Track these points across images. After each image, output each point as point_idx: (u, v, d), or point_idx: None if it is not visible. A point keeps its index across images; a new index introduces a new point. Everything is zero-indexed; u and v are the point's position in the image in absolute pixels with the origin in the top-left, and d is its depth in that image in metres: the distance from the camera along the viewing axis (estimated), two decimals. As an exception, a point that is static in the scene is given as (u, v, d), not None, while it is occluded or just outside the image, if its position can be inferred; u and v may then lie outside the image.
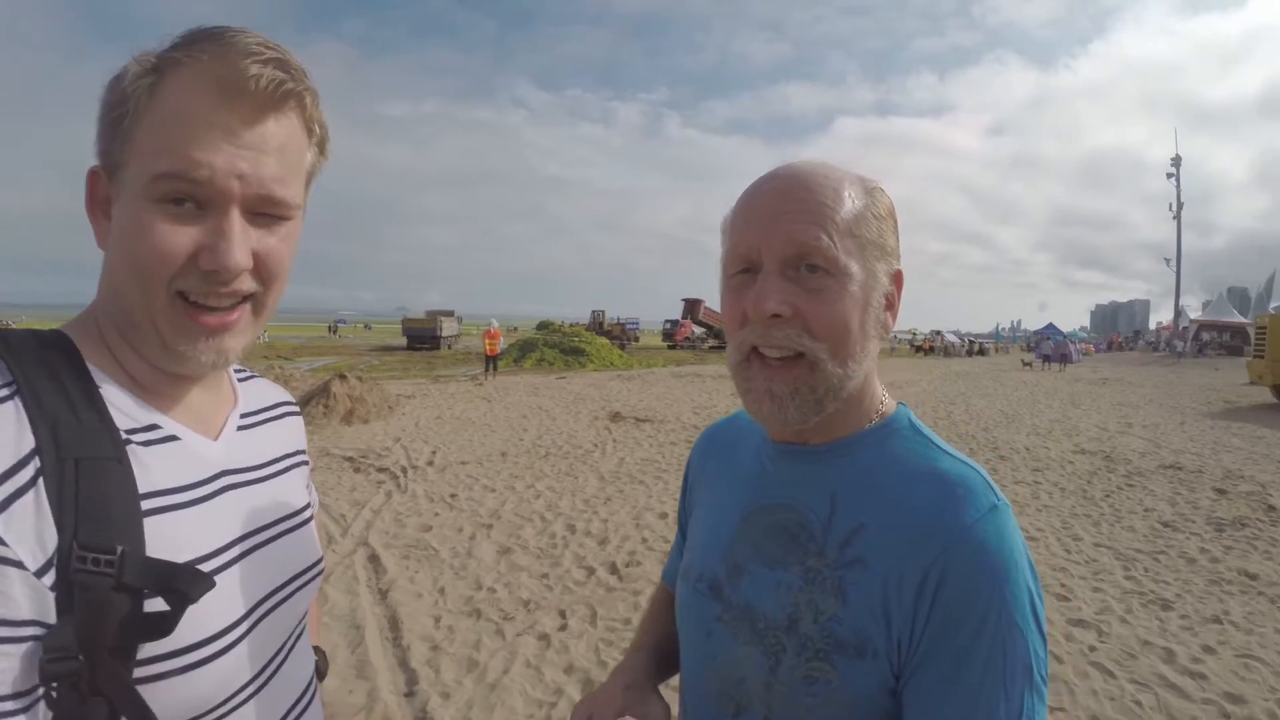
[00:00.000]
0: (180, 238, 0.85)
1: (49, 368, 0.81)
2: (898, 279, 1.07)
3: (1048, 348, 46.98)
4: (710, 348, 56.35)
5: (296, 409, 1.27)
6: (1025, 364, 45.19)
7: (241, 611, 0.92)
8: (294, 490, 1.13)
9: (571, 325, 53.79)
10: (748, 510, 1.17)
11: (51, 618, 0.73)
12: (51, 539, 0.74)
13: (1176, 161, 64.74)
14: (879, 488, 1.04)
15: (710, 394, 21.79)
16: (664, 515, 8.30)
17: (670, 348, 59.70)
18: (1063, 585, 6.30)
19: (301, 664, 1.09)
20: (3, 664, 0.69)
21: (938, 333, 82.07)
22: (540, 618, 5.54)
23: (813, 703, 1.00)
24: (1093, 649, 5.11)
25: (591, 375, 30.57)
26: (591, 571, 6.52)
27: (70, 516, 0.74)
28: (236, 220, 0.87)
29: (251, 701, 0.94)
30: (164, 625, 0.80)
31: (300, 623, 1.09)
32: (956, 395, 23.93)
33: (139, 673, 0.79)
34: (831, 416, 1.07)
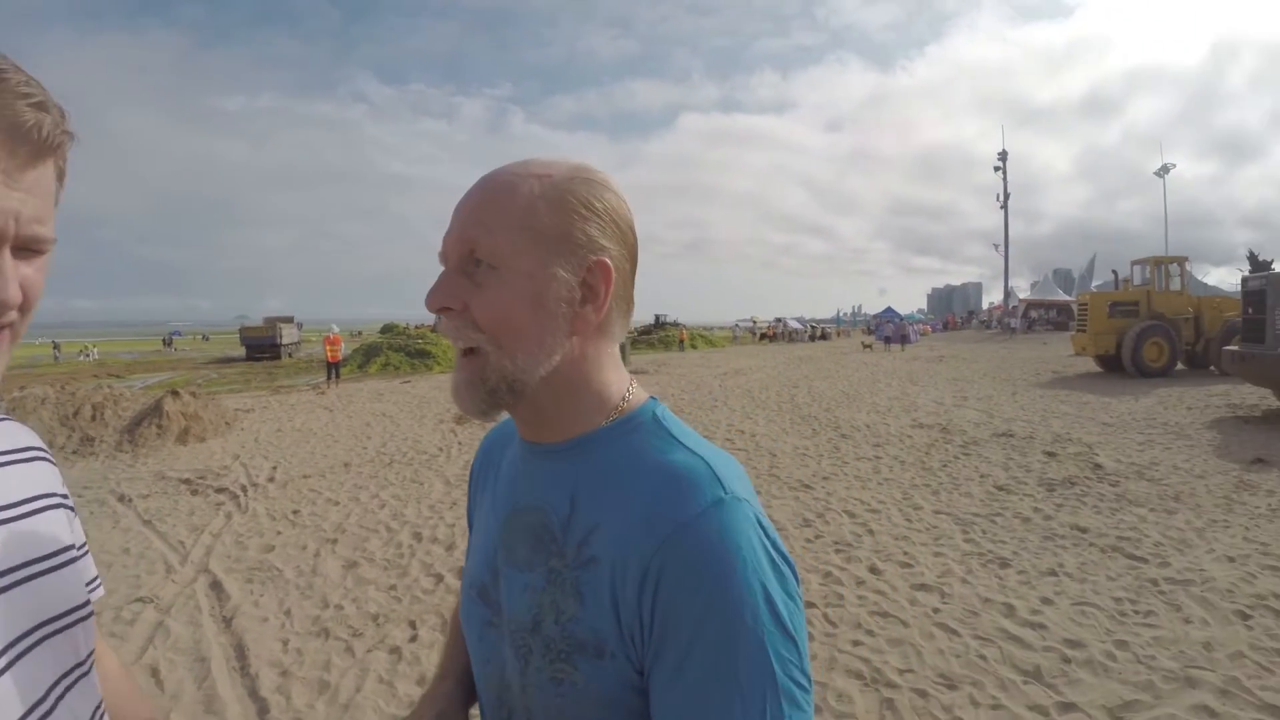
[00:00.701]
0: None
1: None
2: (600, 269, 1.03)
3: (888, 330, 48.62)
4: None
5: (48, 455, 1.19)
6: (866, 346, 46.72)
7: None
8: (51, 531, 1.07)
9: (417, 327, 52.89)
10: (505, 513, 1.17)
11: None
12: None
13: (1003, 156, 68.06)
14: (613, 485, 1.02)
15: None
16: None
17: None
18: (905, 553, 6.49)
19: (77, 715, 1.00)
20: None
21: (779, 320, 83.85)
22: (390, 630, 5.39)
23: (563, 704, 1.00)
24: (937, 610, 5.27)
25: (438, 378, 29.85)
26: (440, 579, 6.35)
27: None
28: (9, 259, 0.88)
29: None
30: None
31: (73, 673, 1.01)
32: (800, 378, 24.50)
33: None
34: (565, 414, 1.08)
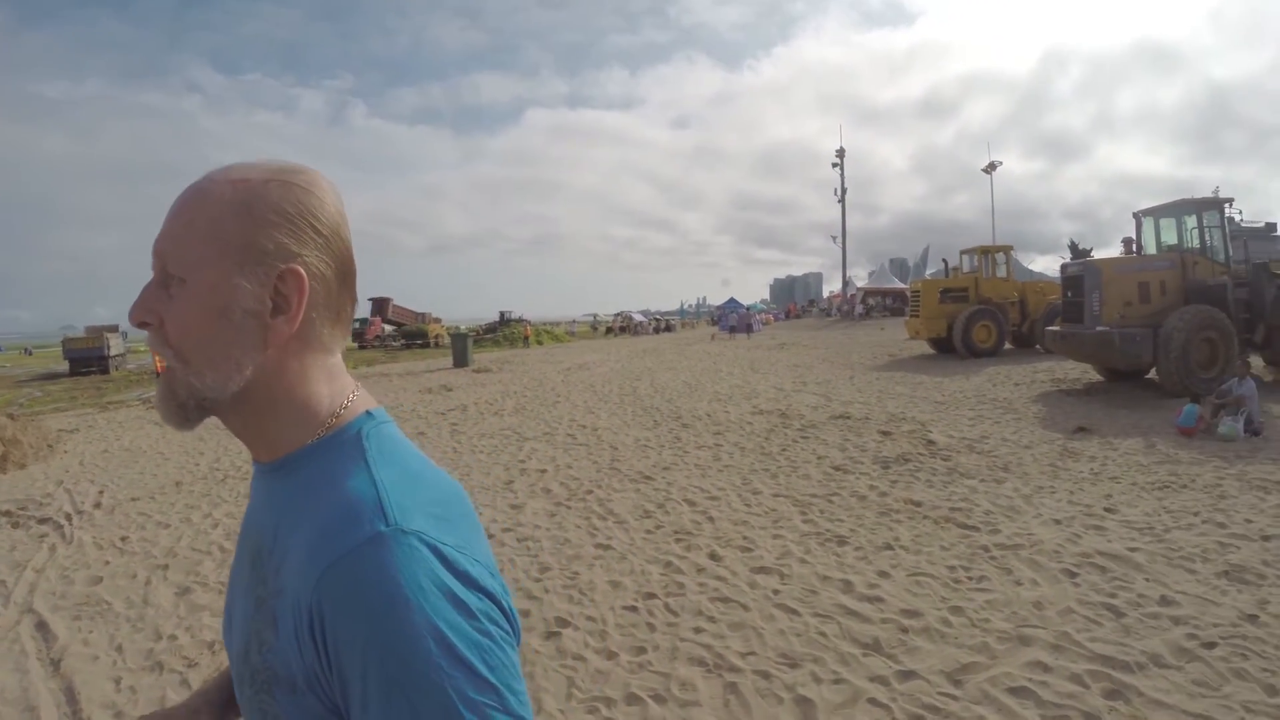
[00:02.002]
0: None
1: None
2: (291, 278, 0.97)
3: (733, 320, 49.41)
4: (402, 345, 55.32)
5: None
6: (714, 337, 47.31)
7: None
8: None
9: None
10: (240, 535, 1.15)
11: None
12: None
13: (841, 153, 70.07)
14: (302, 511, 0.97)
15: (397, 392, 21.17)
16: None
17: (360, 348, 58.12)
18: (745, 537, 6.58)
19: None
20: None
21: (620, 314, 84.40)
22: (224, 657, 5.19)
23: None
24: (776, 592, 5.34)
25: (272, 383, 29.17)
26: (275, 599, 6.15)
27: None
28: None
29: None
30: None
31: None
32: (643, 371, 24.66)
33: None
34: (271, 431, 1.03)
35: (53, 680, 5.06)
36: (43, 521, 9.38)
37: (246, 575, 1.05)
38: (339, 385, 1.06)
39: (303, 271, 0.97)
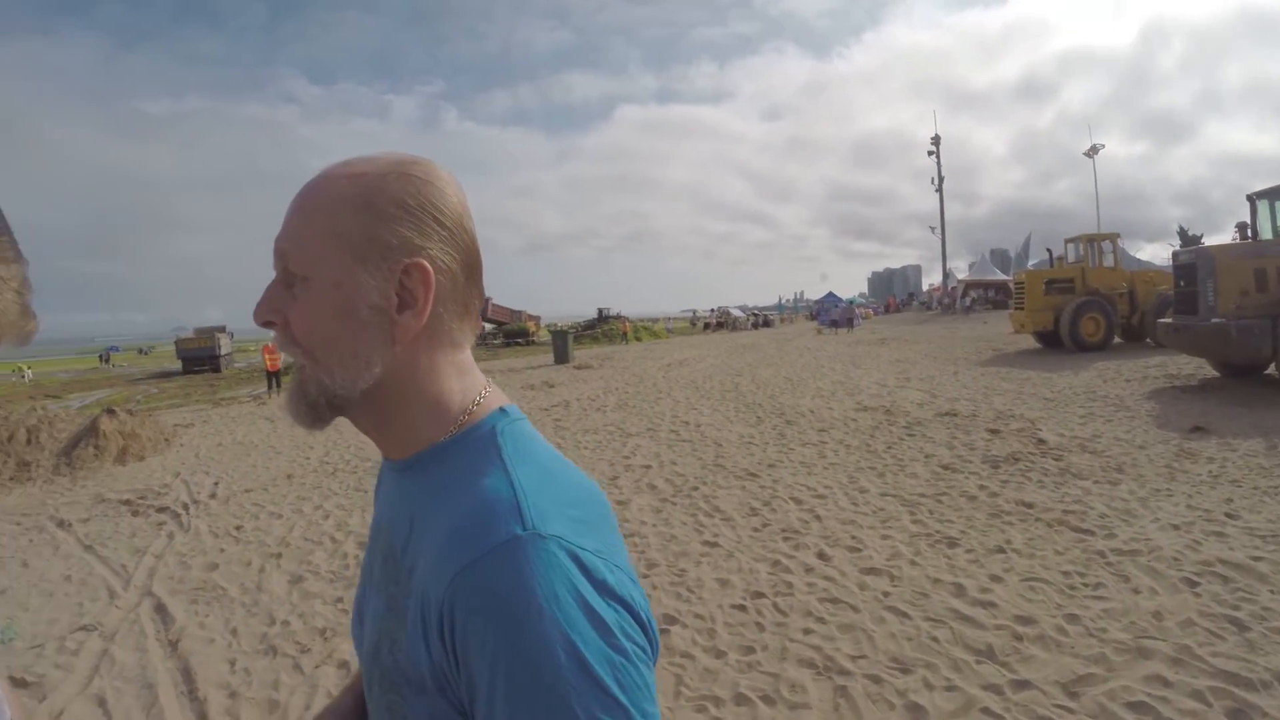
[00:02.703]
0: None
1: None
2: (417, 272, 0.95)
3: (835, 314, 48.88)
4: (502, 343, 55.92)
5: None
6: (820, 331, 46.88)
7: None
8: None
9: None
10: (372, 531, 1.15)
11: None
12: None
13: (936, 140, 68.50)
14: (436, 509, 0.95)
15: (501, 389, 21.33)
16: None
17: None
18: (853, 537, 6.48)
19: None
20: None
21: (714, 310, 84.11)
22: (338, 644, 5.27)
23: None
24: (887, 594, 5.25)
25: (377, 383, 29.76)
26: (384, 590, 6.27)
27: None
28: None
29: None
30: None
31: None
32: (743, 367, 24.52)
33: None
34: (402, 429, 1.02)
35: (170, 660, 5.27)
36: (161, 510, 9.79)
37: (378, 573, 1.04)
38: (470, 381, 1.05)
39: (428, 265, 0.95)
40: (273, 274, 0.99)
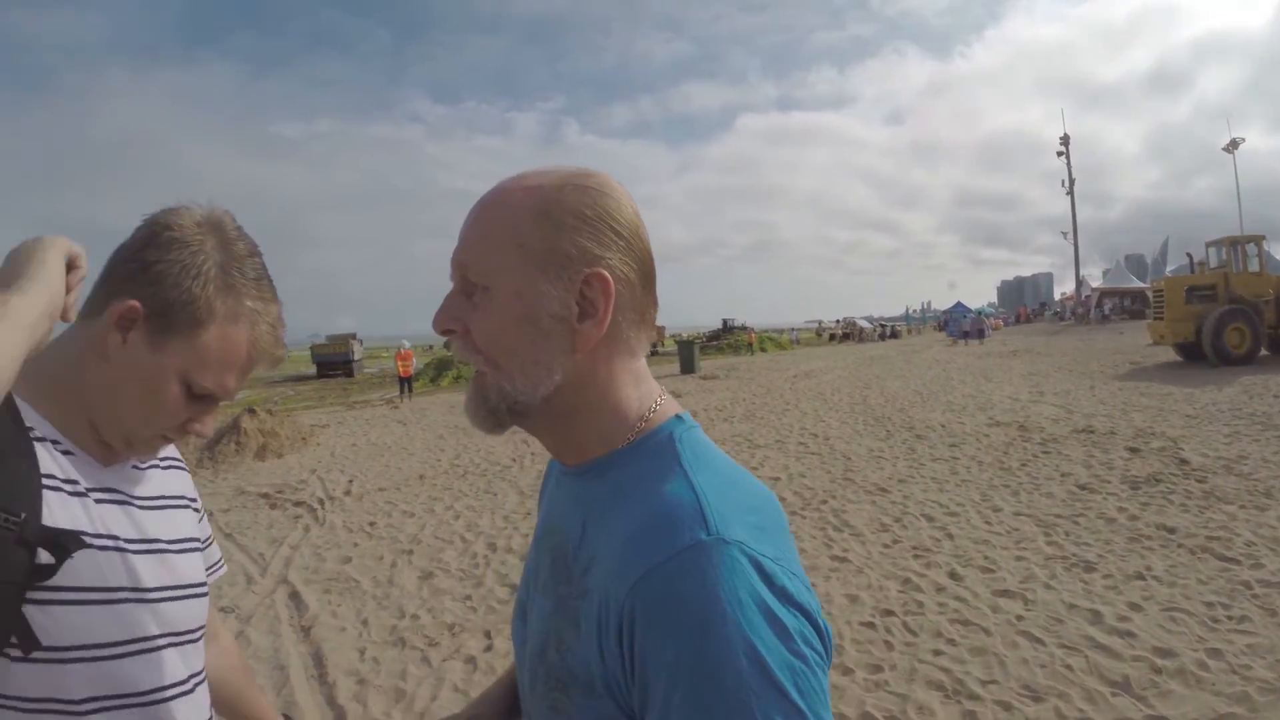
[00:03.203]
0: (187, 412, 1.24)
1: None
2: (597, 282, 0.97)
3: (966, 324, 47.82)
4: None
5: (183, 465, 1.52)
6: (956, 342, 45.91)
7: (121, 583, 1.17)
8: (179, 523, 1.38)
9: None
10: (540, 533, 1.16)
11: None
12: None
13: (1065, 140, 66.29)
14: (613, 515, 0.96)
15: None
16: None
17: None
18: (986, 557, 6.35)
19: (191, 662, 1.32)
20: None
21: (840, 321, 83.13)
22: (466, 640, 5.44)
23: None
24: (1020, 618, 5.13)
25: (506, 389, 30.32)
26: (515, 589, 6.38)
27: None
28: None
29: (142, 656, 1.20)
30: (48, 572, 1.07)
31: (195, 632, 1.34)
32: (871, 379, 24.17)
33: (38, 596, 1.07)
34: (579, 434, 1.04)
35: (302, 645, 5.52)
36: (298, 504, 10.21)
37: (546, 574, 1.05)
38: (646, 389, 1.05)
39: (608, 275, 0.96)
40: (427, 284, 1.04)
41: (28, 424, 1.14)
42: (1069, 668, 4.43)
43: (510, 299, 0.97)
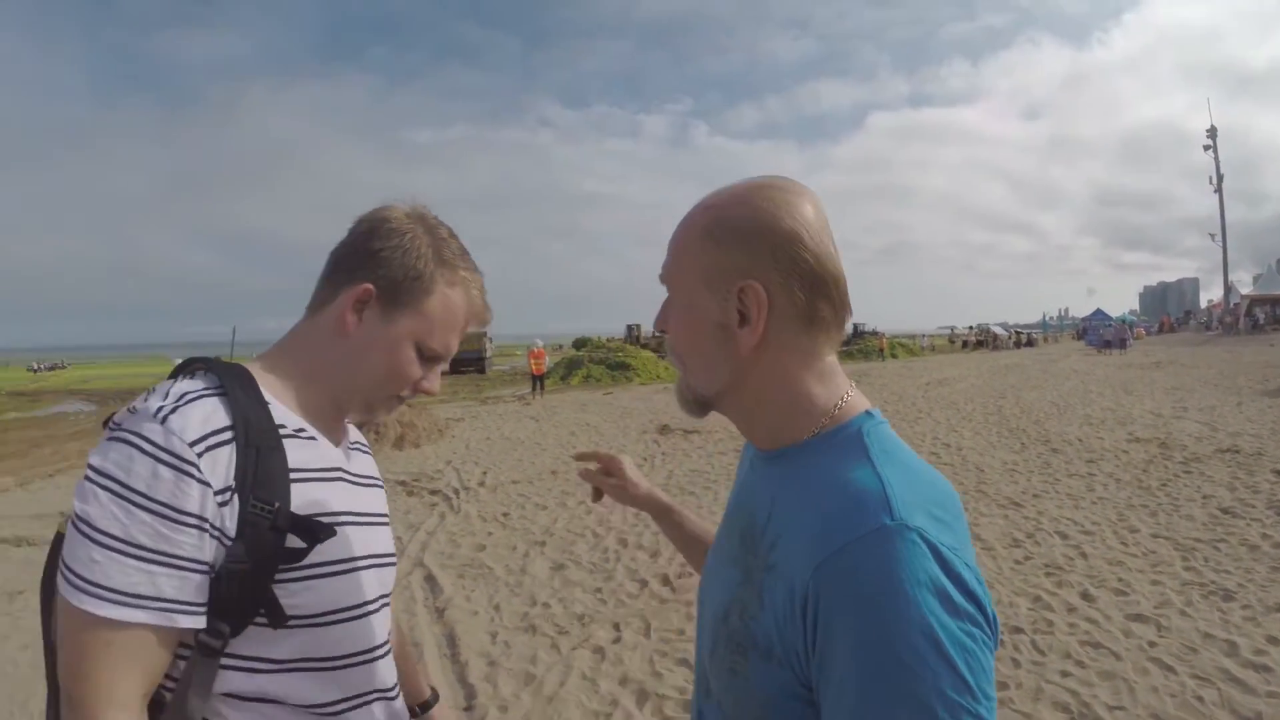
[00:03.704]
0: (419, 373, 1.44)
1: (240, 383, 1.27)
2: (750, 294, 1.06)
3: (1107, 333, 46.14)
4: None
5: (368, 448, 1.71)
6: (1100, 351, 44.33)
7: (353, 554, 1.36)
8: (379, 500, 1.58)
9: (609, 340, 53.80)
10: (729, 509, 1.28)
11: (230, 532, 1.17)
12: (226, 480, 1.17)
13: (1212, 133, 62.89)
14: (801, 498, 1.05)
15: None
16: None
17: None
18: (1120, 579, 6.19)
19: (387, 625, 1.50)
20: (201, 542, 1.15)
21: (974, 327, 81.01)
22: (595, 631, 5.60)
23: (735, 694, 1.06)
24: (1152, 644, 5.02)
25: (639, 389, 30.58)
26: (644, 584, 6.55)
27: (250, 478, 1.19)
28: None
29: (366, 619, 1.38)
30: (298, 555, 1.23)
31: (386, 595, 1.51)
32: (1006, 388, 23.54)
33: (288, 575, 1.23)
34: (766, 424, 1.15)
35: (436, 625, 5.76)
36: (434, 493, 10.55)
37: (734, 547, 1.15)
38: (833, 385, 1.13)
39: (760, 287, 1.05)
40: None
41: (278, 421, 1.29)
42: (1200, 699, 4.33)
43: (685, 308, 1.14)
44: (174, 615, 1.12)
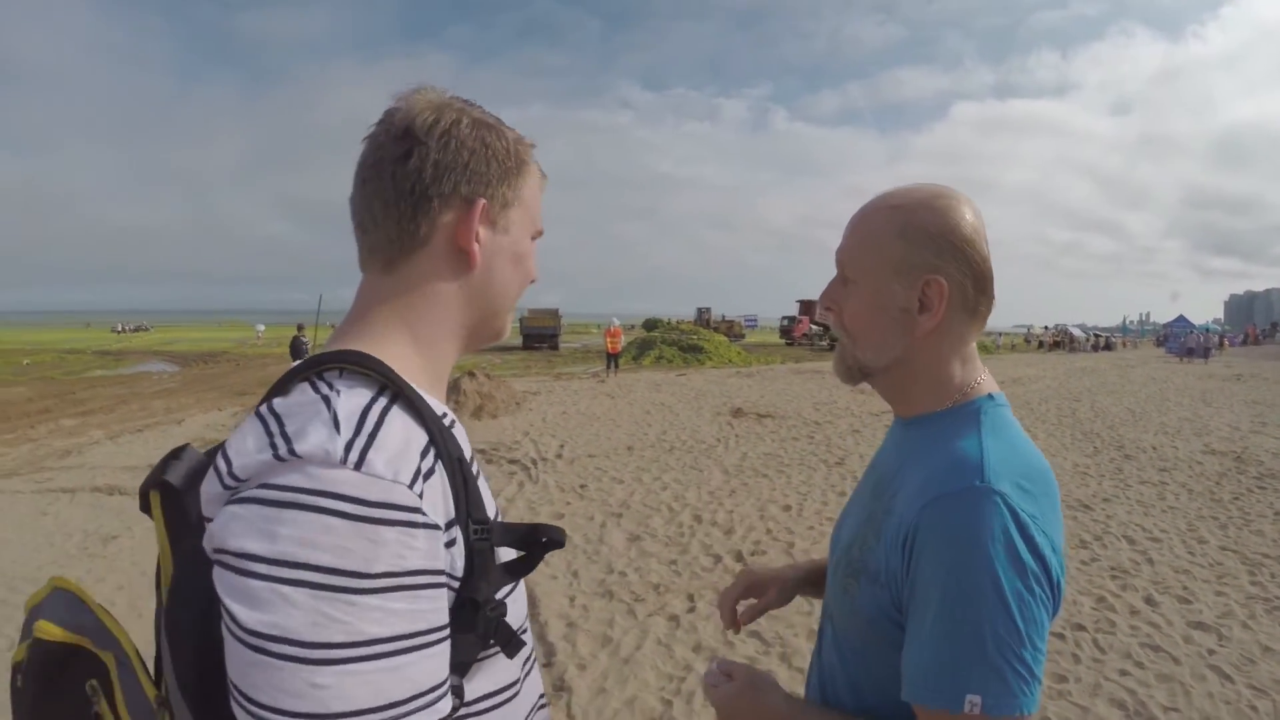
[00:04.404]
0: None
1: (389, 373, 0.99)
2: (935, 287, 1.25)
3: (1191, 341, 44.89)
4: (828, 345, 55.82)
5: None
6: (1183, 360, 43.09)
7: (516, 555, 1.11)
8: None
9: (680, 322, 53.80)
10: (872, 465, 1.49)
11: (458, 571, 0.95)
12: (448, 512, 0.94)
13: None
14: (922, 458, 1.24)
15: (831, 390, 21.49)
16: (787, 508, 8.50)
17: (788, 344, 59.56)
18: (1185, 588, 6.21)
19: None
20: (440, 602, 0.90)
21: (1051, 327, 79.21)
22: (669, 600, 5.80)
23: (844, 611, 1.31)
24: (1212, 652, 5.07)
25: (711, 372, 30.61)
26: (718, 559, 6.76)
27: (463, 500, 0.97)
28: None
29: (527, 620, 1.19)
30: (527, 567, 1.08)
31: None
32: (1082, 392, 23.16)
33: (503, 595, 1.03)
34: (911, 396, 1.34)
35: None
36: (512, 462, 10.78)
37: (867, 495, 1.37)
38: (970, 368, 1.31)
39: (944, 281, 1.24)
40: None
41: (439, 414, 1.04)
42: (1254, 709, 4.40)
43: (871, 294, 1.29)
44: (437, 704, 0.89)
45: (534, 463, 10.86)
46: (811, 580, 1.71)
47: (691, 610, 5.64)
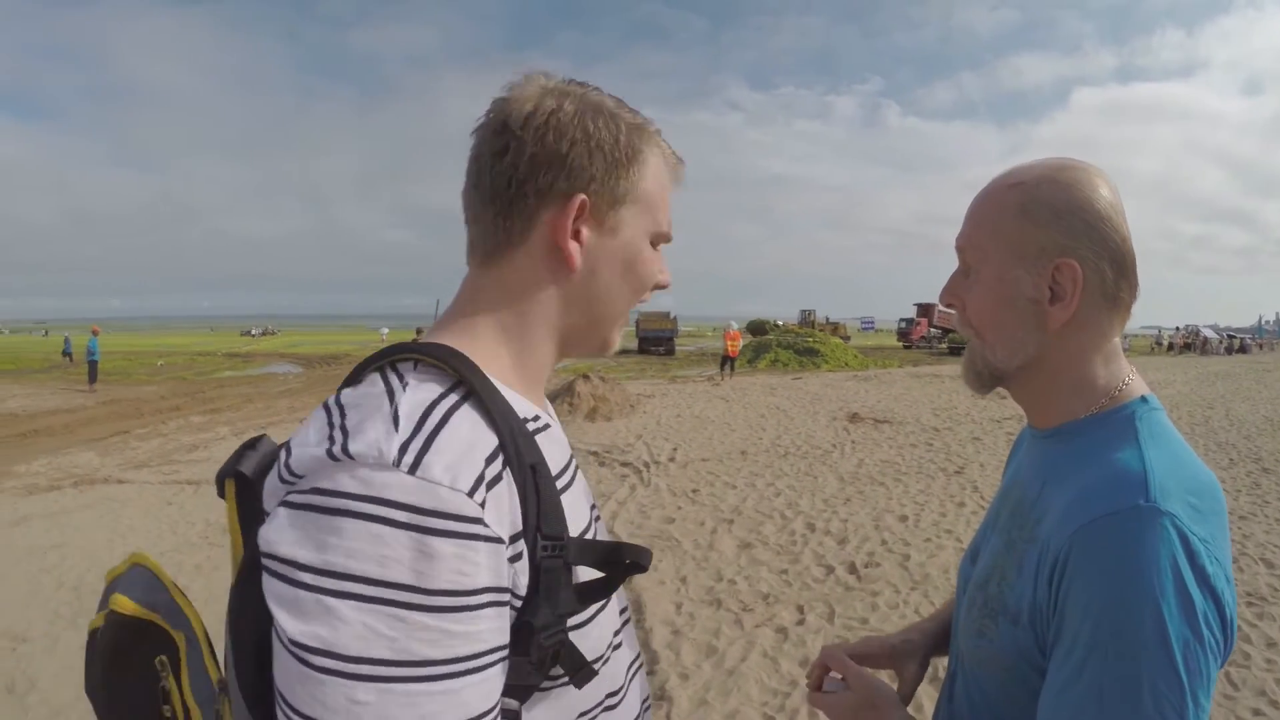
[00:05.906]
0: (658, 264, 1.12)
1: (468, 368, 0.92)
2: (1066, 271, 1.08)
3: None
4: (947, 350, 54.82)
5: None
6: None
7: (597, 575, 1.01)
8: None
9: (785, 324, 53.38)
10: (1005, 486, 1.31)
11: (521, 589, 0.86)
12: (514, 524, 0.86)
13: None
14: (1071, 474, 1.06)
15: (950, 395, 20.73)
16: (904, 518, 8.16)
17: (905, 348, 58.66)
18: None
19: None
20: (501, 621, 0.82)
21: (1181, 328, 75.91)
22: (778, 611, 5.62)
23: (978, 655, 1.12)
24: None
25: (827, 376, 30.08)
26: (830, 570, 6.53)
27: (533, 512, 0.87)
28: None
29: (623, 645, 1.13)
30: (606, 590, 0.98)
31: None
32: (1215, 398, 21.68)
33: (580, 620, 0.95)
34: (1050, 402, 1.16)
35: (623, 590, 5.93)
36: (625, 465, 10.74)
37: (1004, 519, 1.19)
38: (1115, 367, 1.13)
39: (1076, 265, 1.07)
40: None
41: (523, 415, 0.96)
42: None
43: (994, 282, 1.13)
44: None
45: (646, 466, 10.77)
46: (940, 645, 1.48)
47: (801, 623, 5.45)
